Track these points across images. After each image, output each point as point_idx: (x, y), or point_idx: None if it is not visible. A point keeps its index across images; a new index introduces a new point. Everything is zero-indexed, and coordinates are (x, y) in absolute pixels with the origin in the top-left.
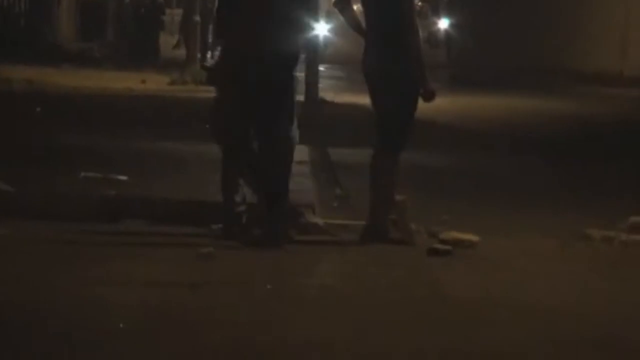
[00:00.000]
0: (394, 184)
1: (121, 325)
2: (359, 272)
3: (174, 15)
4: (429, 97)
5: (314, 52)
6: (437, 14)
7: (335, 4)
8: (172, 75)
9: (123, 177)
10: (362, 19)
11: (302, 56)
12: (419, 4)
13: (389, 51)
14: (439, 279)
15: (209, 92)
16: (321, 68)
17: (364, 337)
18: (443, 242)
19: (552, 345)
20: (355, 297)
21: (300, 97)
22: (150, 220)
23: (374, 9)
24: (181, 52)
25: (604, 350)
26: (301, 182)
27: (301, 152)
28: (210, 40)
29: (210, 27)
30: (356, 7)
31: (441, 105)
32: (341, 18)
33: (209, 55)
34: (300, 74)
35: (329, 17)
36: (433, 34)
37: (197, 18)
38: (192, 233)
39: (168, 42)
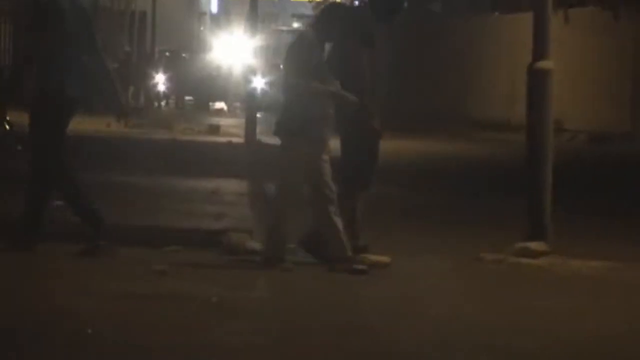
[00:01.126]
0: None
1: (90, 331)
2: (289, 287)
3: None
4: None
5: (252, 102)
6: None
7: None
8: (133, 120)
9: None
10: None
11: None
12: None
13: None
14: (356, 292)
15: (163, 134)
16: (258, 115)
17: (287, 340)
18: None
19: (442, 347)
20: (283, 307)
21: (240, 139)
22: (116, 242)
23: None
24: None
25: (488, 353)
26: (241, 212)
27: (241, 186)
28: (162, 90)
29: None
30: None
31: None
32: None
33: (163, 103)
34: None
35: (266, 73)
36: None
37: (153, 73)
38: (150, 254)
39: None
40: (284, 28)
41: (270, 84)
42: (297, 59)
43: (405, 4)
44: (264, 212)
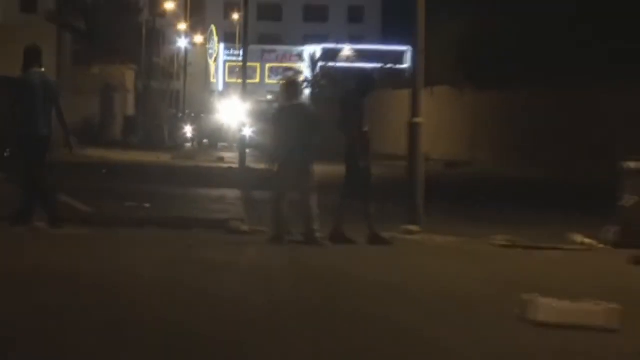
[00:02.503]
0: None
1: (147, 280)
2: (268, 253)
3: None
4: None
5: (243, 143)
6: None
7: None
8: (173, 154)
9: (147, 205)
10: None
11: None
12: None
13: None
14: (308, 257)
15: (190, 163)
16: (247, 150)
17: (265, 285)
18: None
19: (364, 290)
20: (264, 265)
21: (236, 165)
22: (161, 227)
23: None
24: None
25: (395, 292)
26: (237, 208)
27: (236, 193)
28: (189, 136)
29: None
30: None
31: None
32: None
33: (189, 144)
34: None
35: (251, 126)
36: None
37: (184, 126)
38: (183, 234)
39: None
40: (262, 99)
41: (254, 132)
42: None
43: (376, 84)
44: (251, 209)
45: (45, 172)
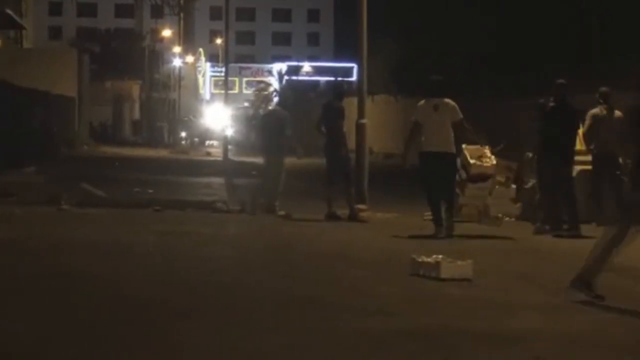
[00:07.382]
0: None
1: (150, 249)
2: (245, 227)
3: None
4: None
5: (226, 140)
6: None
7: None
8: (170, 150)
9: (151, 190)
10: None
11: None
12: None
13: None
14: (274, 228)
15: (184, 157)
16: (229, 147)
17: (243, 252)
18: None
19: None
20: (241, 236)
21: (221, 158)
22: (162, 207)
23: None
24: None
25: (343, 258)
26: (222, 193)
27: (221, 181)
28: (184, 135)
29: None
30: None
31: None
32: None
33: (184, 142)
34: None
35: (233, 126)
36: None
37: (179, 127)
38: (179, 213)
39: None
40: (240, 106)
41: (235, 131)
42: None
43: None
44: (232, 192)
45: None
